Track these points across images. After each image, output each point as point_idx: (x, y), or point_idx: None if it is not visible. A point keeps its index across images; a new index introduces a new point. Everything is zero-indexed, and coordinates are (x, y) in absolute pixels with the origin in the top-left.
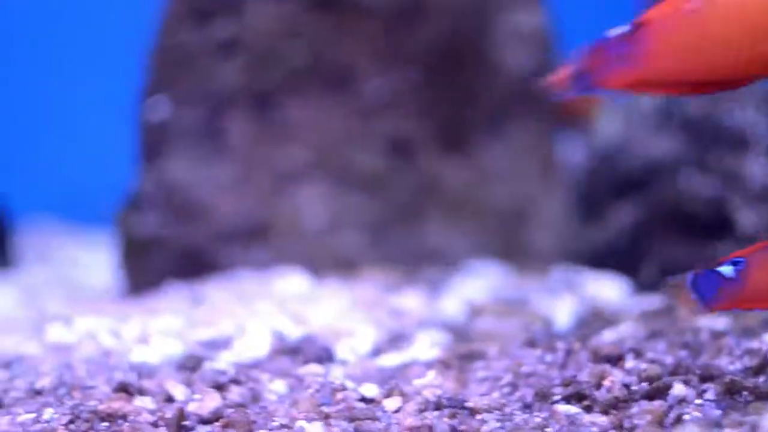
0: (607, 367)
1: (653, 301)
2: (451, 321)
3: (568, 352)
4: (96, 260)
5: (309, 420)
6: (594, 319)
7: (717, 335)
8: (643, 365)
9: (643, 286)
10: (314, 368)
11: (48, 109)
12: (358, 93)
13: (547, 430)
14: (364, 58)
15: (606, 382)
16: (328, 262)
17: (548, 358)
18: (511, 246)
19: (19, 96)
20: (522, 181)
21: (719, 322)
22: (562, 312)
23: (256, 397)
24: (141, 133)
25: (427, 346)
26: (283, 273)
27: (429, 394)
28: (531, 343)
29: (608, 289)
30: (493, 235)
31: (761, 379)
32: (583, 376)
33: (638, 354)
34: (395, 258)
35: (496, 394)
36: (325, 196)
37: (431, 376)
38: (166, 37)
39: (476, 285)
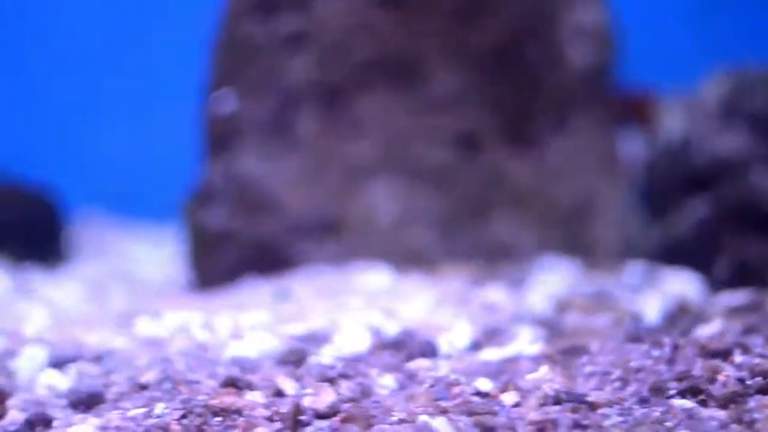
0: (718, 362)
1: (738, 297)
2: (540, 316)
3: (675, 347)
4: (150, 254)
5: (431, 415)
6: (682, 315)
7: None
8: (756, 360)
9: (716, 283)
10: (423, 362)
11: (101, 101)
12: (426, 87)
13: (666, 424)
14: (432, 52)
15: (720, 377)
16: (401, 257)
17: (655, 353)
18: (577, 242)
19: (72, 88)
20: (586, 177)
21: None
22: (651, 307)
23: (366, 392)
24: (207, 126)
25: (528, 340)
26: (364, 268)
27: (547, 389)
28: (635, 338)
29: (686, 285)
30: (558, 231)
31: None
32: (697, 371)
33: (745, 349)
34: (465, 253)
35: (608, 389)
36: (396, 190)
37: (544, 370)
38: (231, 30)
39: (555, 280)
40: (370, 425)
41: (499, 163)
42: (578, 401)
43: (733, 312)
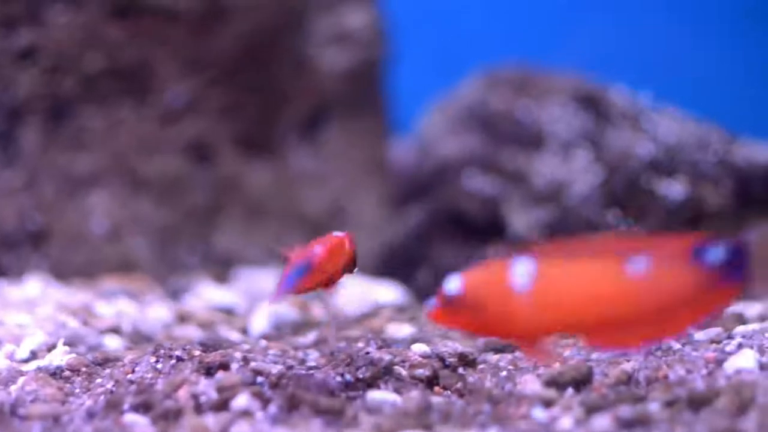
0: (192, 376)
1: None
2: (146, 328)
3: (180, 360)
4: None
5: None
6: (296, 328)
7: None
8: (233, 378)
9: (419, 290)
10: None
11: None
12: (158, 98)
13: None
14: (166, 63)
15: (180, 392)
16: (110, 267)
17: (159, 365)
18: None
19: None
20: (340, 184)
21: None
22: (260, 319)
23: None
24: None
25: (62, 352)
26: (26, 279)
27: None
28: (155, 351)
29: (385, 294)
30: (301, 239)
31: None
32: (160, 385)
33: (246, 362)
34: (182, 263)
35: (89, 402)
36: (114, 201)
37: (21, 381)
38: None
39: (219, 293)
40: None
41: (234, 172)
42: (9, 413)
43: (353, 323)
